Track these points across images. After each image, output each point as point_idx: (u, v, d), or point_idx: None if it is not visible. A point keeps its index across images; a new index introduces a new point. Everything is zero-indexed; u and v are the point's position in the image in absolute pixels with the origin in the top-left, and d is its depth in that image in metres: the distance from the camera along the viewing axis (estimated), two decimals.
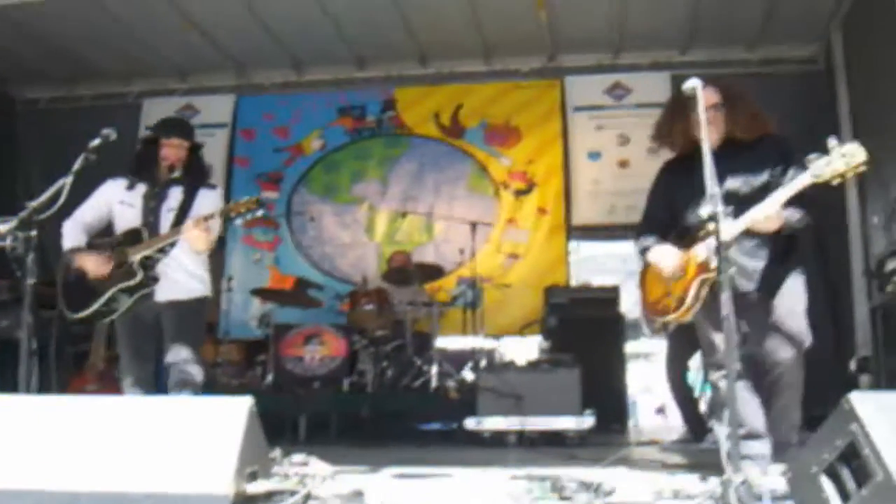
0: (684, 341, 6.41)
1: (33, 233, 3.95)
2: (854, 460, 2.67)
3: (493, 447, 6.49)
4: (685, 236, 4.16)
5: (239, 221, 4.33)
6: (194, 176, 4.83)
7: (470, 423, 6.65)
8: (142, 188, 4.75)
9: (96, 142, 4.26)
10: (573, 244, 9.42)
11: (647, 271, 4.44)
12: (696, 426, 6.56)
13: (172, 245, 4.52)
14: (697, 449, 6.07)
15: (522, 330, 8.50)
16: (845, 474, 2.69)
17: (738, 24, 8.54)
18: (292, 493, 3.21)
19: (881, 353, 6.26)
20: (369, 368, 7.70)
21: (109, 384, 6.86)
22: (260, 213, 4.27)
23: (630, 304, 8.47)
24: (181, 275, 4.66)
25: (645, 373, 10.65)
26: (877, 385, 6.41)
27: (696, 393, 6.98)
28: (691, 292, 4.05)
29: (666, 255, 4.24)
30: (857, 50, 7.93)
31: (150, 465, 2.89)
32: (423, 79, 9.85)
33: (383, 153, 9.88)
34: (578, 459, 5.34)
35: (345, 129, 10.00)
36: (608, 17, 8.57)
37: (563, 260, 9.26)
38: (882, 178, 7.32)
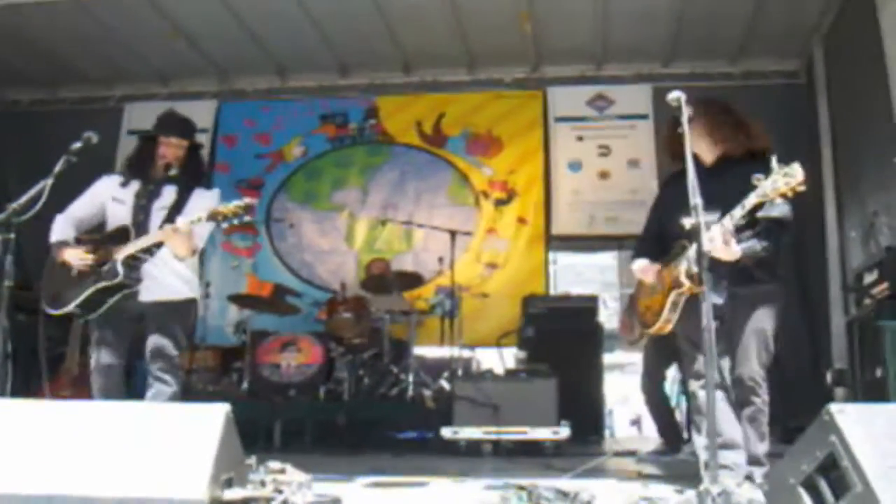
0: (660, 353, 6.44)
1: (11, 235, 3.91)
2: (833, 472, 2.67)
3: (469, 456, 6.47)
4: (670, 249, 4.19)
5: (225, 225, 4.25)
6: (191, 176, 4.73)
7: (446, 433, 6.63)
8: (135, 185, 4.66)
9: (78, 144, 4.23)
10: (553, 254, 9.43)
11: (639, 282, 4.54)
12: (672, 437, 6.57)
13: (159, 246, 4.40)
14: (673, 460, 6.07)
15: (500, 340, 8.49)
16: (823, 486, 2.68)
17: (720, 37, 8.60)
18: (268, 500, 3.19)
19: (857, 367, 6.28)
20: (346, 376, 7.67)
21: (83, 389, 6.80)
22: (246, 218, 4.18)
23: (607, 315, 8.50)
24: (167, 275, 4.56)
25: (621, 384, 10.69)
26: (853, 398, 6.44)
27: (672, 404, 7.01)
28: (666, 306, 4.10)
29: (644, 270, 4.38)
30: (838, 65, 7.99)
31: (125, 470, 2.86)
32: (406, 87, 9.86)
33: (364, 161, 9.87)
34: (554, 469, 5.33)
35: (326, 137, 9.99)
36: (591, 29, 8.61)
37: (543, 270, 9.26)
38: (859, 193, 7.38)
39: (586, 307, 8.12)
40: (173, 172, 4.66)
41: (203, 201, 4.50)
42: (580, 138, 9.43)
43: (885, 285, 5.85)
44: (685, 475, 4.30)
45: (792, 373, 8.01)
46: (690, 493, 3.43)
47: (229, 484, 2.99)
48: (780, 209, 3.89)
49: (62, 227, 4.60)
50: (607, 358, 8.29)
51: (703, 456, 3.69)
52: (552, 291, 9.12)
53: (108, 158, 8.62)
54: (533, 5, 8.19)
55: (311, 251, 9.67)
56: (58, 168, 4.16)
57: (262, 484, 3.45)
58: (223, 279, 9.32)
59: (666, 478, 4.86)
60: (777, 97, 8.83)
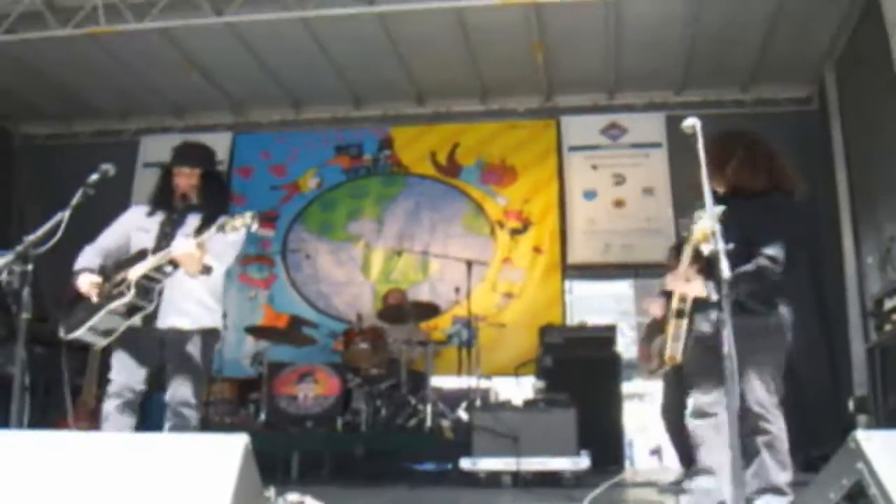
0: (681, 381, 6.38)
1: (29, 267, 3.91)
2: (860, 500, 2.62)
3: (489, 487, 6.42)
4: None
5: (238, 238, 4.19)
6: (212, 203, 4.66)
7: (465, 464, 6.58)
8: (161, 215, 4.63)
9: (95, 177, 4.23)
10: (568, 283, 9.40)
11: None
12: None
13: (175, 267, 4.29)
14: None
15: (517, 369, 8.44)
16: None
17: (732, 64, 8.62)
18: None
19: (879, 393, 6.23)
20: (363, 407, 7.63)
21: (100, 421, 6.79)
22: (255, 227, 4.11)
23: (625, 344, 8.45)
24: (187, 302, 4.49)
25: (641, 413, 10.60)
26: (874, 425, 6.38)
27: None
28: (669, 337, 4.08)
29: (650, 303, 4.40)
30: (850, 90, 7.99)
31: (143, 501, 2.84)
32: (420, 118, 9.91)
33: (380, 192, 9.90)
34: (576, 501, 5.28)
35: (341, 168, 10.03)
36: (604, 58, 8.63)
37: (559, 299, 9.23)
38: (876, 219, 7.34)
39: (604, 336, 8.07)
40: (194, 202, 4.63)
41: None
42: (594, 167, 9.44)
43: None
44: None
45: (812, 400, 7.95)
46: None
47: None
48: (774, 247, 3.89)
49: (88, 256, 4.55)
50: (626, 387, 8.22)
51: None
52: (568, 320, 9.07)
53: (124, 191, 8.72)
54: (545, 35, 8.22)
55: (327, 282, 9.68)
56: (75, 200, 4.15)
57: None
58: (239, 310, 9.32)
59: None
60: (789, 124, 8.83)
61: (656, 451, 10.94)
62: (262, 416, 7.68)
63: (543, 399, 7.22)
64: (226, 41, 8.31)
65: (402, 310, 8.23)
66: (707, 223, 3.41)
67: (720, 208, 3.46)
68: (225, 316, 8.46)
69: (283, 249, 9.77)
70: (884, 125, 6.95)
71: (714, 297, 3.89)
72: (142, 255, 4.38)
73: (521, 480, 6.51)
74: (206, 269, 4.25)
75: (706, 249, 3.29)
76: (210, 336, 4.63)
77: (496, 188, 9.66)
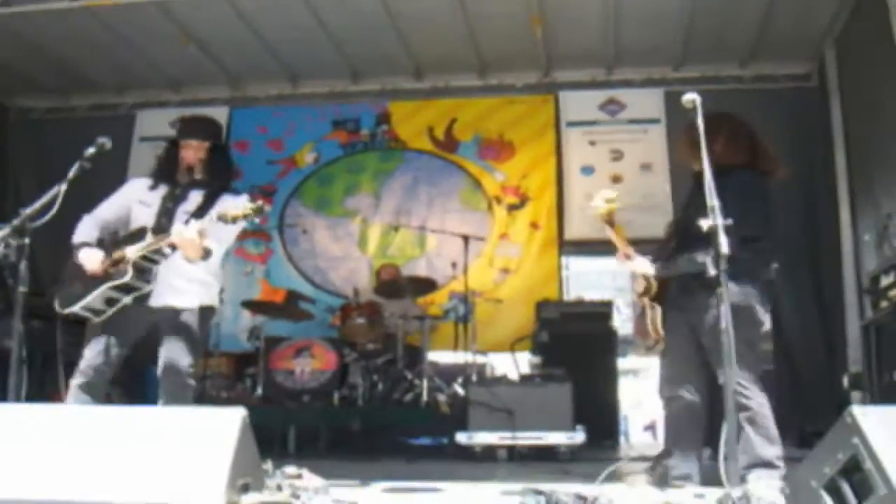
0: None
1: (26, 240, 3.90)
2: (855, 474, 2.64)
3: (484, 462, 6.46)
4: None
5: (237, 227, 4.18)
6: (217, 179, 4.65)
7: (461, 438, 6.62)
8: (163, 189, 4.58)
9: (91, 150, 4.20)
10: (565, 259, 9.40)
11: None
12: None
13: (173, 249, 4.25)
14: None
15: (514, 345, 8.45)
16: (846, 489, 2.66)
17: (732, 41, 8.57)
18: None
19: (874, 370, 6.25)
20: (360, 382, 7.65)
21: None
22: (257, 220, 4.11)
23: (621, 320, 8.46)
24: (179, 280, 4.44)
25: (636, 389, 10.64)
26: (869, 402, 6.41)
27: None
28: (647, 315, 4.30)
29: (634, 281, 4.52)
30: (850, 68, 7.96)
31: (141, 475, 2.85)
32: (418, 93, 9.85)
33: (377, 167, 9.88)
34: (572, 475, 5.31)
35: (339, 143, 10.00)
36: (602, 34, 8.59)
37: (556, 275, 9.23)
38: (873, 196, 7.35)
39: (601, 312, 8.09)
40: (199, 176, 4.59)
41: (227, 206, 4.28)
42: (592, 143, 9.42)
43: None
44: (703, 480, 4.27)
45: (808, 376, 7.99)
46: (711, 497, 3.40)
47: (246, 489, 2.98)
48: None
49: (86, 229, 4.50)
50: (621, 363, 8.24)
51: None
52: (565, 296, 9.08)
53: (120, 165, 8.71)
54: (544, 10, 8.17)
55: (324, 257, 9.68)
56: (71, 174, 4.13)
57: (279, 489, 3.44)
58: (236, 285, 9.33)
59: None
60: (788, 101, 8.83)
61: (651, 427, 10.99)
62: (259, 391, 7.71)
63: (539, 374, 7.27)
64: (223, 15, 8.24)
65: (398, 285, 8.24)
66: (600, 203, 3.55)
67: (613, 193, 3.64)
68: (222, 291, 8.52)
69: (280, 224, 9.75)
70: (883, 103, 6.93)
71: (651, 271, 4.31)
72: (141, 232, 4.34)
73: (516, 455, 6.56)
74: (206, 254, 4.23)
75: (705, 225, 3.28)
76: (206, 311, 4.60)
77: (494, 163, 9.64)
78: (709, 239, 3.37)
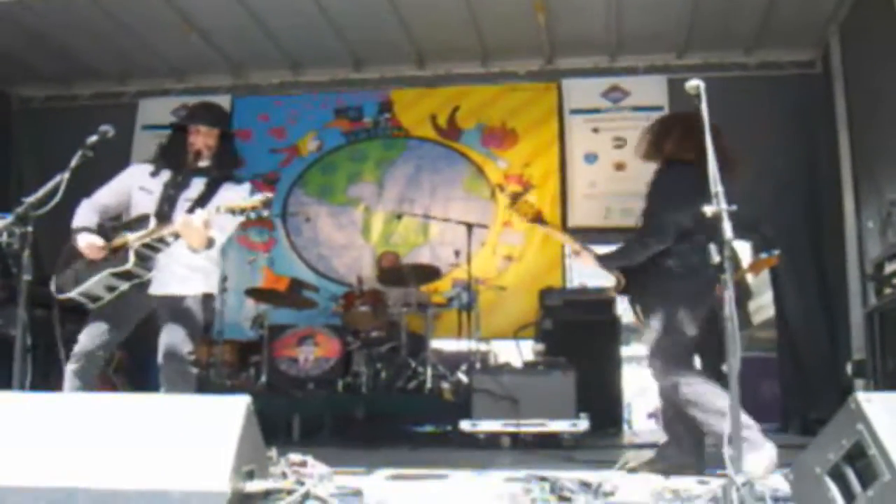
0: None
1: (29, 229, 3.90)
2: (859, 460, 2.64)
3: (488, 449, 6.47)
4: None
5: (242, 219, 4.17)
6: (222, 167, 4.62)
7: (465, 426, 6.63)
8: (165, 175, 4.55)
9: (94, 138, 4.20)
10: (568, 247, 9.38)
11: None
12: None
13: (176, 237, 4.21)
14: None
15: (517, 332, 8.45)
16: (850, 475, 2.66)
17: (735, 27, 8.54)
18: (290, 492, 3.17)
19: (877, 357, 6.24)
20: (363, 370, 7.67)
21: (103, 381, 6.80)
22: (264, 213, 4.08)
23: (624, 308, 8.46)
24: (178, 268, 4.43)
25: (639, 376, 10.65)
26: (872, 389, 6.40)
27: None
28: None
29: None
30: (854, 55, 7.93)
31: (146, 462, 2.86)
32: (420, 80, 9.82)
33: (380, 155, 9.87)
34: (575, 462, 5.32)
35: (341, 131, 9.99)
36: (605, 20, 8.56)
37: (559, 262, 9.23)
38: (877, 183, 7.33)
39: (604, 300, 8.08)
40: (204, 164, 4.55)
41: (230, 195, 4.34)
42: (595, 130, 9.39)
43: None
44: (707, 466, 4.29)
45: (811, 364, 8.00)
46: (715, 483, 3.41)
47: (251, 476, 2.98)
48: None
49: (86, 213, 4.45)
50: (625, 350, 8.26)
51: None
52: (568, 284, 9.08)
53: (123, 153, 8.68)
54: None
55: (327, 245, 9.68)
56: (74, 162, 4.13)
57: (284, 476, 3.45)
58: (240, 274, 9.35)
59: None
60: (793, 88, 8.80)
61: (654, 415, 11.01)
62: (263, 379, 7.73)
63: (543, 362, 7.27)
64: (225, 2, 8.22)
65: (399, 272, 8.24)
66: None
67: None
68: (226, 279, 8.55)
69: (283, 213, 9.74)
70: (888, 90, 6.91)
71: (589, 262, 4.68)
72: (143, 219, 4.32)
73: (520, 442, 6.57)
74: (210, 243, 4.22)
75: (709, 211, 3.28)
76: (207, 299, 4.61)
77: (497, 151, 9.63)
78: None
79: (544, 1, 8.19)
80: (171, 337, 4.37)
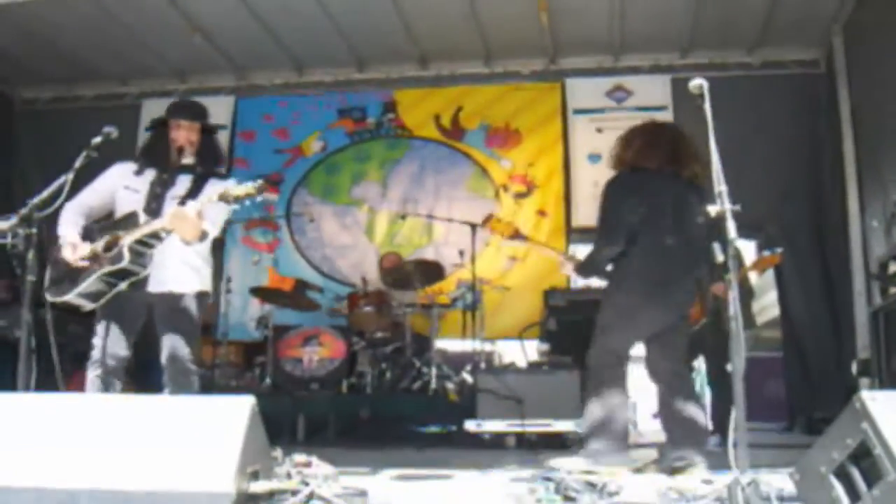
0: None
1: (34, 230, 3.91)
2: (865, 460, 2.64)
3: (493, 449, 6.47)
4: None
5: (236, 207, 4.14)
6: (206, 163, 4.61)
7: (470, 426, 6.63)
8: (150, 174, 4.52)
9: (98, 139, 4.22)
10: (573, 247, 9.38)
11: None
12: None
13: (168, 232, 4.20)
14: None
15: (522, 332, 8.45)
16: (855, 474, 2.66)
17: (738, 27, 8.53)
18: (295, 492, 3.17)
19: (882, 356, 6.23)
20: (368, 370, 7.66)
21: None
22: (259, 199, 4.05)
23: None
24: (175, 265, 4.42)
25: (643, 376, 10.62)
26: (878, 388, 6.39)
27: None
28: None
29: None
30: (858, 54, 7.92)
31: (151, 463, 2.86)
32: (424, 81, 9.83)
33: (383, 155, 9.87)
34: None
35: (345, 131, 9.99)
36: (609, 20, 8.56)
37: None
38: (882, 182, 7.32)
39: None
40: (188, 160, 4.54)
41: (218, 189, 4.19)
42: (599, 130, 9.37)
43: None
44: (712, 466, 4.28)
45: (816, 364, 7.98)
46: (720, 483, 3.40)
47: (256, 476, 2.99)
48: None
49: (70, 217, 4.40)
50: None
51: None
52: (573, 284, 9.05)
53: (126, 155, 8.62)
54: None
55: (331, 246, 9.68)
56: (78, 163, 4.15)
57: (289, 476, 3.46)
58: (244, 274, 9.34)
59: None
60: (796, 87, 8.80)
61: (658, 414, 10.98)
62: (268, 379, 7.72)
63: (547, 362, 7.27)
64: (229, 3, 8.23)
65: (403, 273, 8.23)
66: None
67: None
68: (230, 280, 8.56)
69: (288, 213, 9.74)
70: (892, 88, 6.90)
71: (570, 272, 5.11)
72: (132, 217, 4.28)
73: (525, 442, 6.56)
74: (203, 236, 4.21)
75: (713, 211, 3.27)
76: (203, 297, 4.59)
77: (500, 151, 9.63)
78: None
79: (547, 1, 8.18)
80: (173, 339, 4.38)
